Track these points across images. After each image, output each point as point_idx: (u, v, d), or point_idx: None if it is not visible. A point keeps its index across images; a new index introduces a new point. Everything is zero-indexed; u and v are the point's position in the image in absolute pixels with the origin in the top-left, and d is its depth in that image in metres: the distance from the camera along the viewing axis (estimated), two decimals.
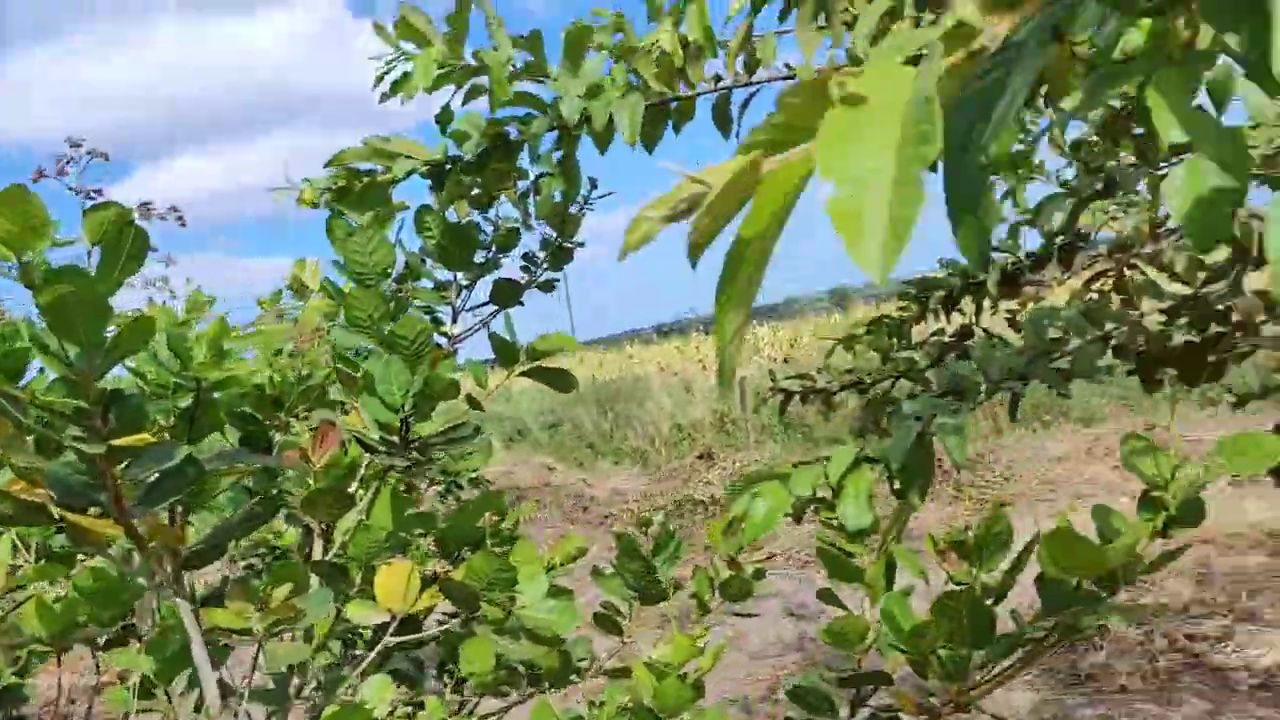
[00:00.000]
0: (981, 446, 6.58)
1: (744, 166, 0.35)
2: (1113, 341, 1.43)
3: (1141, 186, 1.57)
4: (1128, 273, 1.65)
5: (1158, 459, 0.80)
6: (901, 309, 1.85)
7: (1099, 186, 1.49)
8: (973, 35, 0.43)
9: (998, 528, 0.87)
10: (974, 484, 5.92)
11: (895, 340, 1.85)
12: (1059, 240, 1.69)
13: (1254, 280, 1.45)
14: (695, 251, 0.38)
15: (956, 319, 1.86)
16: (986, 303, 1.95)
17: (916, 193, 0.36)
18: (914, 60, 0.36)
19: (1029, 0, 0.39)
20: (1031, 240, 1.80)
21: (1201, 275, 1.47)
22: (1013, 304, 1.88)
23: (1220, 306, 1.44)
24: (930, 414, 1.18)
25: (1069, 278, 1.73)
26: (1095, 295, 1.60)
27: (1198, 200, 0.58)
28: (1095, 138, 1.43)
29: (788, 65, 1.33)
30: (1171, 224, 1.75)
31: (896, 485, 1.24)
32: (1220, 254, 1.41)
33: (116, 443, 0.72)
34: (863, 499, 1.11)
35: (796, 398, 2.07)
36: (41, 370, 0.81)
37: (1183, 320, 1.50)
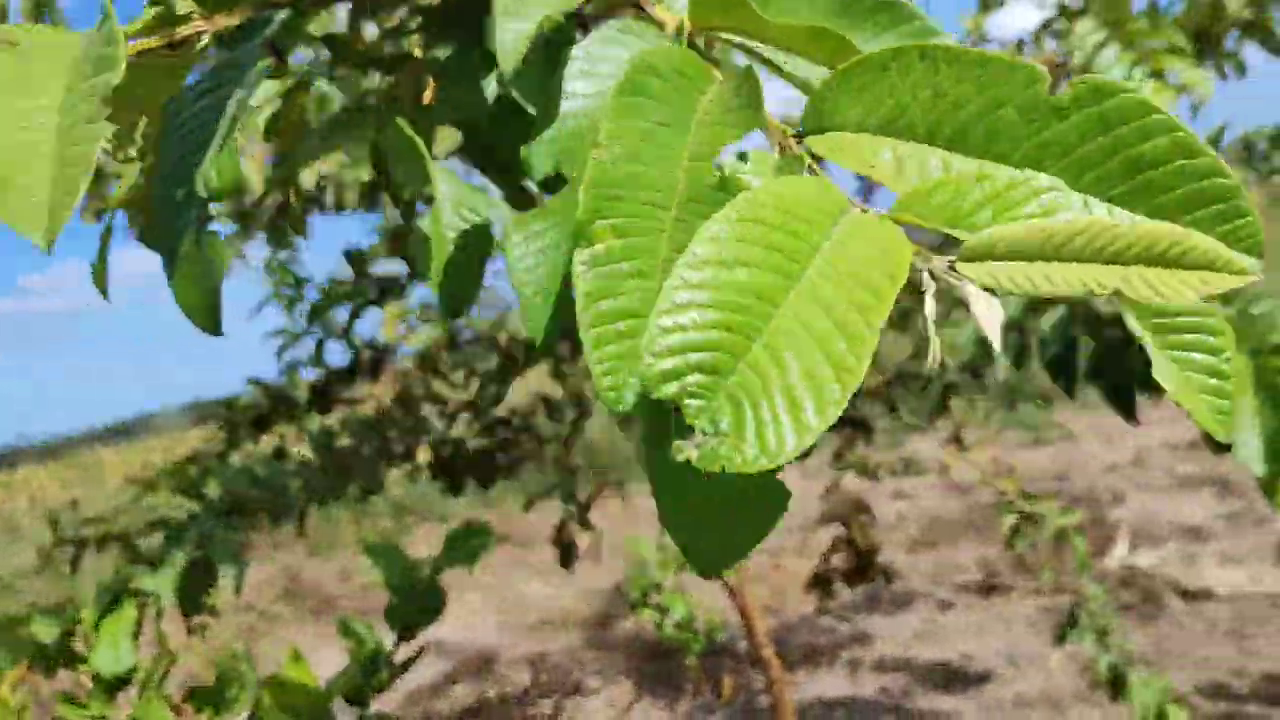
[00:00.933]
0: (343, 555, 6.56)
1: None
2: (397, 448, 1.50)
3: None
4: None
5: (398, 567, 0.84)
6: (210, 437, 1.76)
7: (375, 293, 1.58)
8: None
9: (232, 673, 0.83)
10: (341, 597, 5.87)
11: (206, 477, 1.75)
12: (367, 354, 1.75)
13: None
14: None
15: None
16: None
17: (88, 131, 0.29)
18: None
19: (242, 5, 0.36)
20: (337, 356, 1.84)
21: (476, 383, 1.62)
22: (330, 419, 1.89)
23: (497, 413, 1.60)
24: (210, 535, 1.12)
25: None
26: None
27: (445, 261, 0.54)
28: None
29: None
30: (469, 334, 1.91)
31: (184, 613, 1.17)
32: (491, 362, 1.57)
33: None
34: (125, 640, 1.00)
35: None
36: None
37: (476, 426, 1.64)
